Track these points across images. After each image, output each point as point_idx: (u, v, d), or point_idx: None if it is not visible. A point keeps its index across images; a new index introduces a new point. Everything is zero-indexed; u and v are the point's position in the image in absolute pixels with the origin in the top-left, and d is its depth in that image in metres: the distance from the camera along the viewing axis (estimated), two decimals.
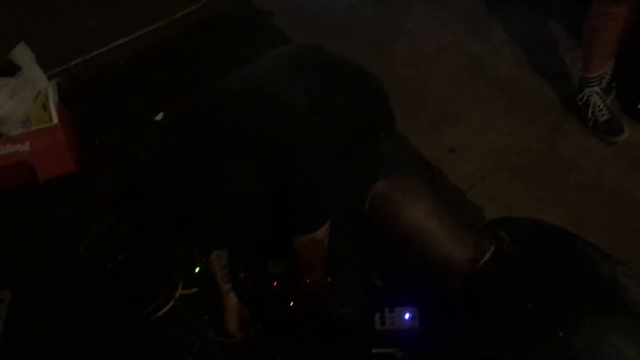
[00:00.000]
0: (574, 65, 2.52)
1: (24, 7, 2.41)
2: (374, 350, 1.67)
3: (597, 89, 2.28)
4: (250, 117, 1.60)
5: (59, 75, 2.52)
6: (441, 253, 1.12)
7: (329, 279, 1.86)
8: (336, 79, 1.77)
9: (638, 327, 1.02)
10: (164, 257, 2.00)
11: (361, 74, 1.88)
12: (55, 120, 2.16)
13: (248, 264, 1.94)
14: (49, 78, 2.36)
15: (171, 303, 1.91)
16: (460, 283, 1.10)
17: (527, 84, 2.50)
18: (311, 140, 1.62)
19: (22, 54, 2.24)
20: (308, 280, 1.71)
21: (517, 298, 1.04)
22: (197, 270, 1.95)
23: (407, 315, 1.71)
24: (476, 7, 2.84)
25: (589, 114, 2.28)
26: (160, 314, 1.88)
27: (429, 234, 1.12)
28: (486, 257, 1.10)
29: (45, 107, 2.20)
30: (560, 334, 0.98)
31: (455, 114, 2.40)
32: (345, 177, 1.68)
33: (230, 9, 2.90)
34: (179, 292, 1.92)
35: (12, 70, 2.27)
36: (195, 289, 1.94)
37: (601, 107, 2.26)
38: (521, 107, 2.42)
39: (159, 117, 2.49)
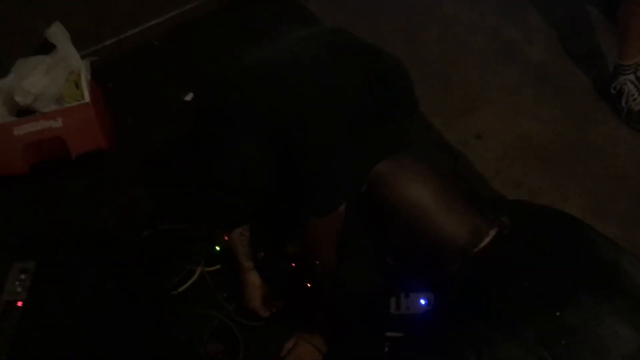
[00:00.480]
0: (609, 52, 2.46)
1: None
2: (387, 334, 1.69)
3: (631, 77, 2.22)
4: (265, 94, 1.60)
5: (94, 54, 2.57)
6: (439, 233, 1.11)
7: (345, 263, 1.87)
8: (354, 58, 1.77)
9: (636, 311, 1.01)
10: (188, 234, 2.04)
11: (381, 54, 1.87)
12: (87, 98, 2.22)
13: (268, 243, 1.97)
14: (84, 57, 2.42)
15: (193, 278, 1.95)
16: (458, 264, 1.10)
17: (559, 70, 2.45)
18: (326, 120, 1.61)
19: (57, 33, 2.30)
20: (317, 262, 1.72)
21: (515, 278, 1.04)
22: (218, 248, 1.99)
23: (422, 301, 1.72)
24: None
25: (623, 102, 2.23)
26: (181, 289, 1.93)
27: (427, 213, 1.12)
28: (486, 241, 1.10)
29: (77, 85, 2.26)
30: (557, 312, 0.99)
31: (483, 99, 2.37)
32: (362, 159, 1.68)
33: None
34: (200, 269, 1.97)
35: (47, 48, 2.34)
36: (217, 267, 1.98)
37: (635, 96, 2.21)
38: (552, 94, 2.38)
39: (189, 97, 2.53)
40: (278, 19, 2.77)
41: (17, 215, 2.08)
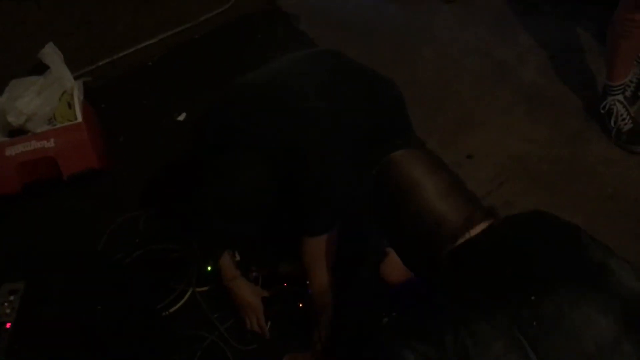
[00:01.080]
0: (599, 73, 2.47)
1: (55, 8, 2.49)
2: None
3: (620, 97, 2.23)
4: (264, 116, 1.62)
5: (88, 74, 2.59)
6: (435, 215, 1.15)
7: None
8: (351, 83, 1.78)
9: (618, 306, 1.03)
10: (179, 254, 2.04)
11: (377, 78, 1.88)
12: (80, 118, 2.23)
13: (260, 263, 1.97)
14: (78, 77, 2.44)
15: (185, 299, 1.95)
16: (447, 248, 1.14)
17: (550, 91, 2.47)
18: (324, 142, 1.63)
19: (51, 54, 2.32)
20: (308, 282, 1.72)
21: (498, 266, 1.08)
22: (209, 268, 1.98)
23: None
24: (503, 11, 2.82)
25: (612, 122, 2.24)
26: (172, 310, 1.92)
27: (426, 196, 1.17)
28: (477, 230, 1.14)
29: (70, 106, 2.27)
30: (533, 297, 1.02)
31: (475, 119, 2.39)
32: (357, 184, 1.69)
33: (257, 11, 2.93)
34: (191, 289, 1.96)
35: (41, 69, 2.35)
36: (208, 287, 1.97)
37: (624, 116, 2.22)
38: (543, 114, 2.39)
39: (182, 117, 2.54)
40: (271, 40, 2.79)
41: (8, 235, 2.08)
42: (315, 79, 1.72)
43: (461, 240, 1.13)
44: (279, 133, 1.60)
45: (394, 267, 1.73)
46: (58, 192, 2.22)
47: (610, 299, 1.04)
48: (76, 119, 2.23)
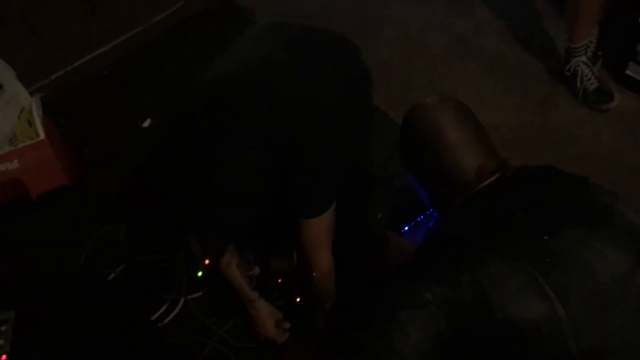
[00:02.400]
0: (558, 37, 2.52)
1: (0, 23, 2.38)
2: None
3: (583, 58, 2.27)
4: (249, 99, 1.53)
5: (42, 89, 2.49)
6: (453, 159, 1.22)
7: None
8: (319, 52, 1.72)
9: (629, 241, 1.08)
10: (166, 263, 1.98)
11: (337, 38, 1.86)
12: (42, 135, 2.13)
13: (250, 261, 1.92)
14: (32, 93, 2.33)
15: (178, 308, 1.89)
16: (463, 195, 1.19)
17: (514, 59, 2.50)
18: (311, 120, 1.57)
19: (2, 72, 2.20)
20: (315, 274, 1.69)
21: (510, 210, 1.13)
22: (200, 274, 1.93)
23: None
24: None
25: (578, 84, 2.28)
26: (167, 320, 1.86)
27: (448, 140, 1.23)
28: (491, 178, 1.19)
29: (30, 123, 2.17)
30: (545, 237, 1.07)
31: (446, 94, 2.39)
32: (343, 150, 1.66)
33: (210, 7, 2.87)
34: (183, 297, 1.91)
35: None
36: (200, 293, 1.92)
37: (589, 76, 2.26)
38: (511, 83, 2.42)
39: (147, 123, 2.46)
40: (227, 35, 2.72)
41: None
42: (291, 59, 1.63)
43: (475, 188, 1.18)
44: (266, 116, 1.52)
45: (395, 251, 1.72)
46: (29, 213, 2.12)
47: (620, 233, 1.09)
48: (38, 136, 2.13)
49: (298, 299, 1.86)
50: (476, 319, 1.04)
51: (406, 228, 1.88)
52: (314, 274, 1.69)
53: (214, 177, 1.45)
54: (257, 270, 1.87)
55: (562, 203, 1.13)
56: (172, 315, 1.88)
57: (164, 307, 1.89)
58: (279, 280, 1.89)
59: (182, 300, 1.91)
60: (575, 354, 1.00)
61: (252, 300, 1.79)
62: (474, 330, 1.04)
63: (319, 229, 1.64)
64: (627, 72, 2.25)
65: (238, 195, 1.48)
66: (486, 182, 1.18)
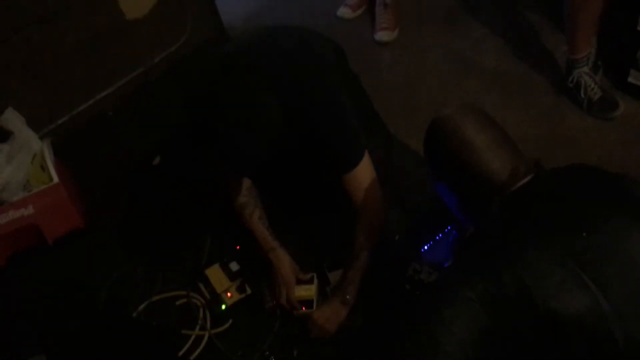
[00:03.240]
0: (557, 49, 2.56)
1: (6, 71, 2.40)
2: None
3: (585, 69, 2.30)
4: (264, 58, 1.62)
5: (49, 133, 2.49)
6: (485, 166, 1.25)
7: None
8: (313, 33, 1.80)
9: None
10: (187, 299, 1.97)
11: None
12: (56, 179, 2.14)
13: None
14: (40, 138, 2.34)
15: (203, 344, 1.87)
16: (499, 196, 1.22)
17: (515, 74, 2.53)
18: (321, 76, 1.65)
19: (12, 119, 2.22)
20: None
21: (548, 208, 1.15)
22: (223, 307, 1.92)
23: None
24: (451, 7, 2.88)
25: (582, 94, 2.31)
26: (193, 357, 1.85)
27: (477, 149, 1.27)
28: (525, 180, 1.22)
29: (43, 168, 2.17)
30: (584, 233, 1.09)
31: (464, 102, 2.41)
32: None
33: (208, 43, 2.90)
34: (207, 332, 1.89)
35: (3, 136, 2.24)
36: (225, 326, 1.91)
37: (592, 86, 2.29)
38: (514, 97, 2.45)
39: (157, 161, 2.47)
40: None
41: (7, 311, 1.95)
42: (286, 37, 1.73)
43: (511, 189, 1.21)
44: (281, 77, 1.59)
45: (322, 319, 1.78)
46: (46, 258, 2.11)
47: None
48: (52, 180, 2.13)
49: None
50: (520, 314, 1.05)
51: (426, 247, 1.89)
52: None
53: (224, 112, 1.47)
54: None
55: (601, 200, 1.15)
56: (197, 352, 1.86)
57: (188, 344, 1.87)
58: (303, 308, 1.88)
59: (206, 335, 1.89)
60: (621, 344, 1.01)
61: (273, 248, 1.87)
62: (519, 325, 1.06)
63: (363, 179, 1.72)
64: (629, 79, 2.28)
65: (256, 123, 1.51)
66: (522, 182, 1.21)
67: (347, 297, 1.77)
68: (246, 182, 1.91)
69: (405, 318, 1.21)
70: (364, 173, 1.73)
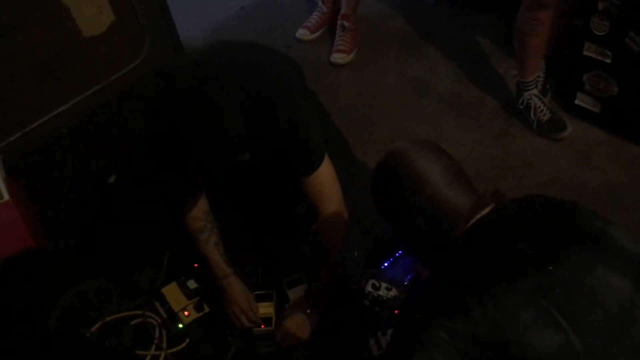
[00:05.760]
0: (507, 73, 2.65)
1: None
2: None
3: (535, 91, 2.39)
4: (223, 65, 1.63)
5: (1, 151, 2.43)
6: (445, 201, 1.22)
7: None
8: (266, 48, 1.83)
9: (626, 265, 1.10)
10: (142, 318, 1.93)
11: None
12: (7, 196, 2.07)
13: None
14: None
15: None
16: (462, 229, 1.19)
17: (468, 97, 2.61)
18: (282, 84, 1.68)
19: None
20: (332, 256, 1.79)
21: (511, 242, 1.13)
22: (180, 326, 1.90)
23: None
24: (407, 33, 2.96)
25: (532, 115, 2.39)
26: None
27: (435, 185, 1.23)
28: (486, 210, 1.20)
29: None
30: (550, 267, 1.07)
31: (407, 132, 2.47)
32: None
33: (168, 62, 2.89)
34: (163, 352, 1.86)
35: None
36: (182, 345, 1.87)
37: (542, 107, 2.38)
38: (468, 119, 2.52)
39: (112, 179, 2.43)
40: None
41: None
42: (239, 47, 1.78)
43: (473, 221, 1.19)
44: (245, 79, 1.62)
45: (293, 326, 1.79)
46: None
47: (618, 259, 1.10)
48: (2, 197, 2.07)
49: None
50: (493, 354, 1.02)
51: (386, 264, 1.90)
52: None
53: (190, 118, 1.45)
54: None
55: (560, 231, 1.14)
56: None
57: None
58: (262, 326, 1.87)
59: (162, 355, 1.86)
60: None
61: (226, 275, 1.86)
62: None
63: (322, 182, 1.75)
64: (576, 101, 2.38)
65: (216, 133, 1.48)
66: (483, 213, 1.19)
67: (309, 310, 1.78)
68: (203, 206, 1.90)
69: None
70: (325, 176, 1.76)
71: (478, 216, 1.19)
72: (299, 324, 1.79)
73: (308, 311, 1.79)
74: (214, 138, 1.49)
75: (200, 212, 1.88)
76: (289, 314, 1.82)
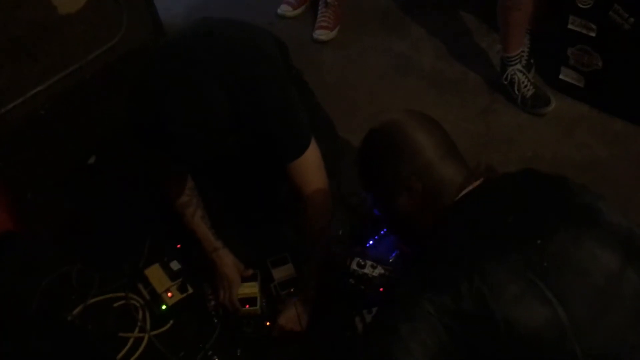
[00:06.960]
0: (490, 49, 2.63)
1: None
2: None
3: (519, 66, 2.38)
4: (208, 49, 1.60)
5: None
6: (437, 175, 1.23)
7: None
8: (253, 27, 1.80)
9: (615, 240, 1.10)
10: (125, 300, 1.91)
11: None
12: None
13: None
14: None
15: (142, 346, 1.82)
16: (452, 200, 1.20)
17: (452, 73, 2.59)
18: (266, 64, 1.65)
19: None
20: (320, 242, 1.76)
21: (500, 214, 1.13)
22: (164, 307, 1.87)
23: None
24: (390, 8, 2.93)
25: (516, 91, 2.38)
26: (133, 359, 1.79)
27: (428, 156, 1.24)
28: (476, 184, 1.20)
29: None
30: (538, 241, 1.07)
31: (390, 110, 2.43)
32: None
33: (146, 42, 2.83)
34: (147, 334, 1.84)
35: None
36: (166, 327, 1.86)
37: (526, 83, 2.36)
38: (451, 95, 2.50)
39: (92, 160, 2.39)
40: None
41: None
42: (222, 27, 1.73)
43: (464, 192, 1.19)
44: (227, 65, 1.59)
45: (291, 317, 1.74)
46: None
47: (606, 233, 1.10)
48: None
49: (268, 323, 1.83)
50: (479, 329, 1.02)
51: (371, 242, 1.89)
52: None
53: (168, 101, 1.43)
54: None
55: (549, 206, 1.14)
56: (137, 354, 1.80)
57: (127, 347, 1.81)
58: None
59: (145, 337, 1.84)
60: (580, 357, 0.99)
61: (216, 248, 1.84)
62: (477, 340, 1.02)
63: (308, 167, 1.72)
64: (561, 76, 2.37)
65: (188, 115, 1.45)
66: (473, 186, 1.20)
67: (302, 303, 1.75)
68: (188, 182, 1.87)
69: (361, 335, 1.17)
70: (311, 161, 1.73)
71: (470, 187, 1.19)
72: (294, 319, 1.74)
73: (301, 305, 1.76)
74: (200, 126, 1.47)
75: (185, 187, 1.85)
76: (283, 310, 1.78)
